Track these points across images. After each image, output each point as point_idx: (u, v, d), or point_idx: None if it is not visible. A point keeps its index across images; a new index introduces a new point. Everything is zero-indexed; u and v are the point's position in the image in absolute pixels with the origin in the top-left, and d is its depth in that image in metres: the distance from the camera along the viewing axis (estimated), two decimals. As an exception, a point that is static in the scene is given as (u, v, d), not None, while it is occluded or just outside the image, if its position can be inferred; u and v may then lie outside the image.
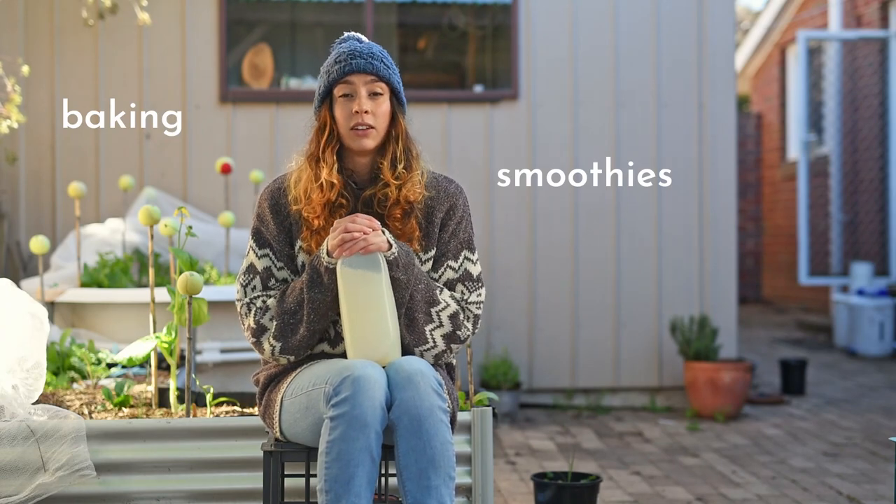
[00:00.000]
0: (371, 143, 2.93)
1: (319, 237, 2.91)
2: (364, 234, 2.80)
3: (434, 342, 2.92)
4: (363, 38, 3.03)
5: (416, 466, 2.68)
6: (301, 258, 2.96)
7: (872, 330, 9.18)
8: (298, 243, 2.96)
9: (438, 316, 2.92)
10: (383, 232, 2.84)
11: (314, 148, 2.96)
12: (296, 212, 2.95)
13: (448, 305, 2.94)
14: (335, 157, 2.93)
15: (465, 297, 2.99)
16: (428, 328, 2.91)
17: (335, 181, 2.91)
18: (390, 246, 2.84)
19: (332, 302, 2.86)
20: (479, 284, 3.01)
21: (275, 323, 2.90)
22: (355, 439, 2.65)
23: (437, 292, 2.93)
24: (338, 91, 2.93)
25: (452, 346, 2.95)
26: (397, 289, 2.86)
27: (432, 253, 2.99)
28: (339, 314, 2.90)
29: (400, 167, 2.94)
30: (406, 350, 2.92)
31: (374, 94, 2.93)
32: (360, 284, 2.80)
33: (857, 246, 10.74)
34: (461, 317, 2.95)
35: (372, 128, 2.92)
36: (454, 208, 3.01)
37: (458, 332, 2.94)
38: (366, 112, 2.90)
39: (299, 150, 3.04)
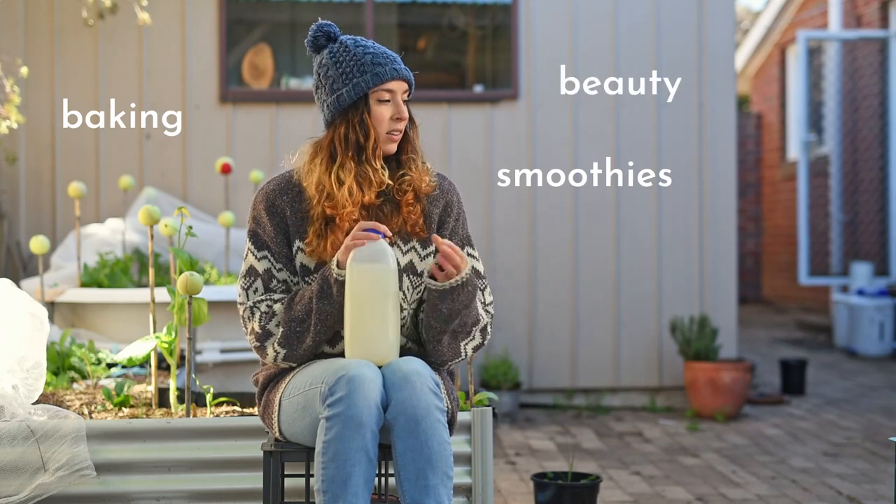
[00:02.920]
0: (395, 147, 2.98)
1: (334, 237, 2.90)
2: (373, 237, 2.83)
3: (465, 353, 2.98)
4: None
5: (413, 466, 2.68)
6: (300, 259, 2.96)
7: (872, 330, 9.18)
8: (297, 244, 2.95)
9: (473, 331, 2.97)
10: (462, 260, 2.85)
11: (354, 150, 2.91)
12: (295, 210, 2.94)
13: (482, 321, 2.99)
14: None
15: (483, 300, 3.02)
16: (463, 342, 2.95)
17: (386, 180, 2.93)
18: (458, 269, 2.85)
19: (339, 314, 2.86)
20: (485, 281, 3.05)
21: (281, 329, 2.89)
22: (351, 439, 2.65)
23: (480, 307, 2.97)
24: (376, 95, 2.93)
25: (474, 352, 3.02)
26: (457, 311, 2.85)
27: (432, 248, 2.99)
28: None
29: (427, 162, 3.01)
30: (440, 363, 2.95)
31: (404, 101, 2.98)
32: (366, 284, 2.79)
33: (857, 246, 10.74)
34: (488, 328, 3.02)
35: (402, 133, 2.97)
36: (450, 205, 3.03)
37: (483, 342, 3.02)
38: (405, 119, 2.96)
39: (304, 148, 3.02)
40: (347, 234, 2.90)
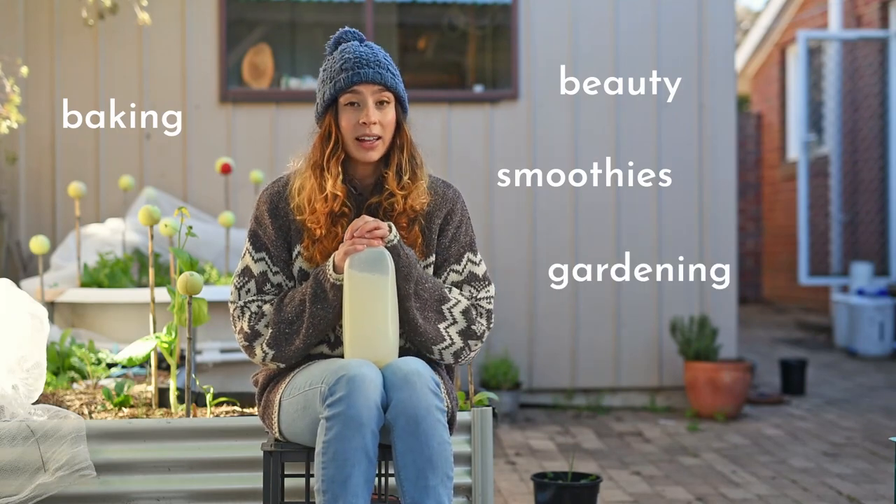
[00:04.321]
0: (376, 154, 2.91)
1: (322, 246, 2.90)
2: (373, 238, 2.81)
3: (451, 339, 2.92)
4: (363, 36, 3.00)
5: (413, 467, 2.68)
6: (299, 264, 2.95)
7: (872, 330, 9.18)
8: (297, 249, 2.94)
9: (450, 313, 2.92)
10: (390, 228, 2.85)
11: (318, 157, 2.92)
12: (297, 219, 2.94)
13: (459, 302, 2.93)
14: (340, 168, 2.90)
15: (475, 295, 2.98)
16: (442, 326, 2.91)
17: (339, 192, 2.88)
18: (390, 230, 2.85)
19: (333, 318, 2.86)
20: (487, 283, 3.00)
21: (270, 330, 2.89)
22: (351, 439, 2.65)
23: (446, 291, 2.93)
24: (344, 99, 2.89)
25: (470, 342, 2.94)
26: (400, 279, 2.84)
27: (432, 259, 2.98)
28: (339, 321, 2.89)
29: (405, 178, 2.92)
30: (424, 349, 2.92)
31: (380, 104, 2.90)
32: (366, 285, 2.80)
33: (857, 246, 10.74)
34: (473, 313, 2.94)
35: (379, 138, 2.90)
36: (452, 213, 2.99)
37: (473, 328, 2.93)
38: (374, 123, 2.88)
39: (299, 153, 3.01)
40: (327, 240, 2.88)
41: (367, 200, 2.95)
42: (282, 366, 2.93)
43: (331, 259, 2.85)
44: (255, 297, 2.94)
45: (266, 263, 2.95)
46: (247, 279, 2.95)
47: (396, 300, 2.85)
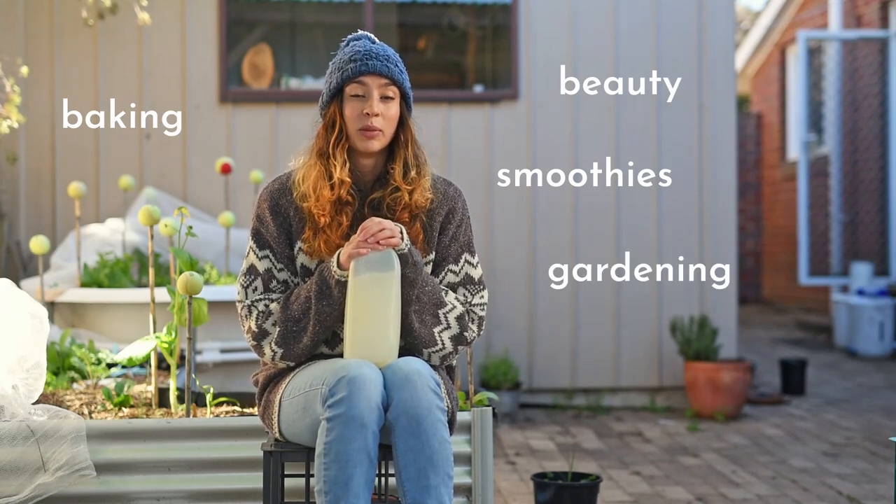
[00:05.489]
0: (377, 145, 2.92)
1: (325, 236, 2.90)
2: (384, 238, 2.80)
3: (442, 344, 2.93)
4: (375, 39, 3.03)
5: (414, 466, 2.68)
6: (300, 260, 2.95)
7: (872, 330, 9.18)
8: (298, 244, 2.95)
9: (446, 318, 2.92)
10: (402, 232, 2.85)
11: (322, 145, 2.94)
12: (298, 210, 2.94)
13: (455, 307, 2.94)
14: (346, 156, 2.93)
15: (469, 300, 2.99)
16: (436, 330, 2.92)
17: (346, 179, 2.90)
18: (402, 234, 2.85)
19: (339, 314, 2.86)
20: (481, 287, 3.01)
21: (277, 329, 2.89)
22: (352, 440, 2.65)
23: (443, 294, 2.94)
24: (350, 90, 2.92)
25: (459, 347, 2.96)
26: (405, 286, 2.85)
27: (431, 256, 2.98)
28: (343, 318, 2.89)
29: (412, 173, 2.94)
30: (415, 351, 2.92)
31: (385, 98, 2.92)
32: (370, 286, 2.79)
33: (857, 246, 10.74)
34: (466, 318, 2.95)
35: (380, 131, 2.91)
36: (453, 212, 3.00)
37: (465, 334, 2.95)
38: (376, 115, 2.89)
39: (302, 148, 3.03)
40: (331, 230, 2.89)
41: (368, 196, 2.95)
42: (291, 364, 2.93)
43: (335, 256, 2.85)
44: (262, 296, 2.93)
45: (270, 260, 2.95)
46: (253, 277, 2.95)
47: (400, 303, 2.84)
